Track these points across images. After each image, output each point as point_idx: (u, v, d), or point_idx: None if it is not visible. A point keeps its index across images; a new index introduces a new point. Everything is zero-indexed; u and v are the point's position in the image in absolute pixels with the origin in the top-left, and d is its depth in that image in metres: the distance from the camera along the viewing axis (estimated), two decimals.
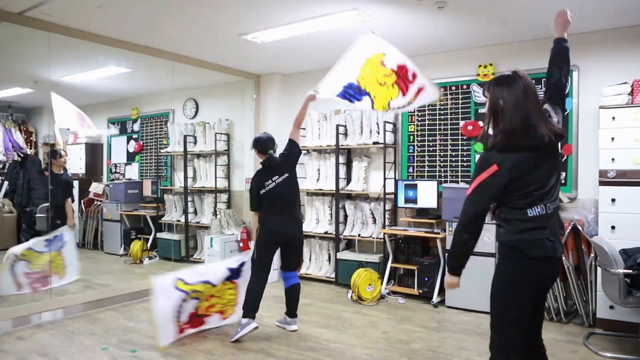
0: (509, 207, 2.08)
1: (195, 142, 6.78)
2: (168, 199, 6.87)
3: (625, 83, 3.96)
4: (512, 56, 4.69)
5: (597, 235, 3.83)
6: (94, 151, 7.39)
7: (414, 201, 5.06)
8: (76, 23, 4.31)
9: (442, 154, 5.17)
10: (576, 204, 4.35)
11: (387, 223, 5.24)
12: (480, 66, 4.88)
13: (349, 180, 5.66)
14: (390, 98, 3.44)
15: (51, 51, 4.48)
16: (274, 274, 5.18)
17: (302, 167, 5.72)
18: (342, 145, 5.50)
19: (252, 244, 3.98)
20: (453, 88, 5.08)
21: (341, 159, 5.57)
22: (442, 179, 5.13)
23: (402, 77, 3.37)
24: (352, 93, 3.56)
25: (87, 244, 6.99)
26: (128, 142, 7.29)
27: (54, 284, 4.77)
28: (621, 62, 4.21)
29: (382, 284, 4.94)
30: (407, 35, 4.62)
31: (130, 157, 7.26)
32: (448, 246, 4.59)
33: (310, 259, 5.80)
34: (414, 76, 3.37)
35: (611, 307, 3.80)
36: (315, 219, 5.76)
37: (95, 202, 7.11)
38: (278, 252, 3.92)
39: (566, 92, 2.23)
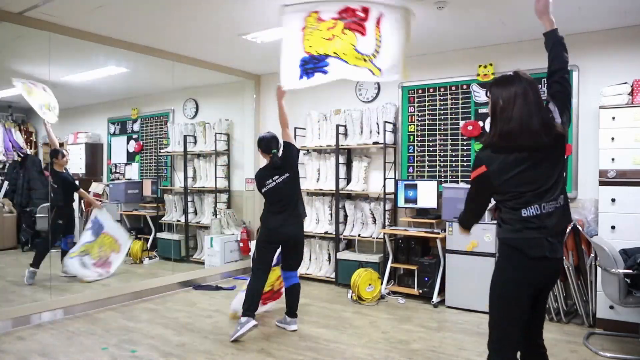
0: (505, 207, 2.10)
1: (195, 142, 6.78)
2: (168, 199, 6.87)
3: (625, 83, 3.96)
4: (512, 56, 4.69)
5: (597, 235, 3.83)
6: (94, 151, 7.39)
7: (414, 201, 5.06)
8: (76, 23, 4.31)
9: (442, 154, 5.17)
10: (576, 204, 4.35)
11: (387, 223, 5.24)
12: (480, 66, 4.88)
13: (349, 180, 5.66)
14: (351, 45, 3.09)
15: (51, 51, 4.48)
16: None
17: (302, 167, 5.72)
18: (342, 145, 5.50)
19: (252, 244, 3.99)
20: (453, 88, 5.08)
21: (341, 159, 5.57)
22: (442, 179, 5.13)
23: (351, 18, 3.07)
24: (312, 66, 3.18)
25: None
26: (128, 142, 7.29)
27: (117, 260, 5.40)
28: (621, 62, 4.22)
29: (382, 284, 4.94)
30: None
31: (130, 157, 7.26)
32: (448, 246, 4.60)
33: (310, 259, 5.80)
34: (365, 10, 3.09)
35: (611, 307, 3.80)
36: (315, 219, 5.76)
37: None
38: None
39: (570, 88, 2.16)
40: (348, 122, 5.58)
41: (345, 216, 5.63)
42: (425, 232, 4.79)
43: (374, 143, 5.30)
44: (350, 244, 5.66)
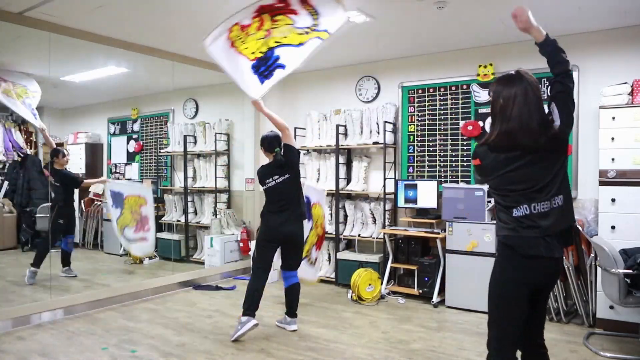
0: (499, 206, 2.14)
1: (195, 142, 6.77)
2: (168, 199, 6.87)
3: (625, 83, 3.96)
4: (512, 56, 4.69)
5: (597, 235, 3.83)
6: (94, 151, 7.39)
7: (414, 201, 5.06)
8: (76, 23, 4.31)
9: (442, 154, 5.17)
10: (576, 204, 4.35)
11: (387, 223, 5.24)
12: (480, 66, 4.88)
13: (349, 180, 5.66)
14: (288, 25, 3.06)
15: (51, 51, 4.47)
16: (274, 273, 5.18)
17: (302, 167, 5.72)
18: (342, 145, 5.50)
19: (252, 244, 3.99)
20: (453, 88, 5.08)
21: (341, 159, 5.57)
22: (442, 179, 5.13)
23: (277, 9, 3.10)
24: (265, 67, 3.17)
25: (87, 244, 6.99)
26: (128, 142, 7.29)
27: (149, 211, 5.21)
28: (621, 62, 4.22)
29: (382, 284, 4.94)
30: (407, 35, 4.63)
31: (130, 157, 7.26)
32: (448, 246, 4.60)
33: None
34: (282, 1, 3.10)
35: (611, 307, 3.80)
36: None
37: (95, 202, 7.10)
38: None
39: (571, 88, 2.11)
40: (348, 122, 5.58)
41: (345, 216, 5.63)
42: (425, 232, 4.79)
43: (374, 143, 5.30)
44: (350, 244, 5.66)
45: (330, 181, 5.62)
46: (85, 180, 5.68)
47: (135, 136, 7.22)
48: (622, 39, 4.24)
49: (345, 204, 5.59)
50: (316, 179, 5.79)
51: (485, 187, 4.33)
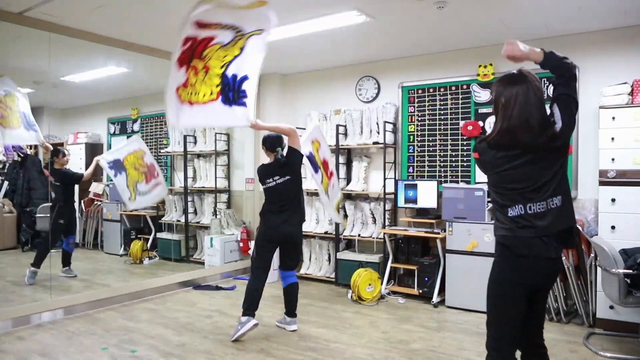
0: (496, 205, 2.15)
1: (195, 142, 6.78)
2: (168, 199, 6.87)
3: (625, 83, 3.96)
4: None
5: (597, 235, 3.83)
6: (94, 151, 7.38)
7: (414, 201, 5.06)
8: (76, 23, 4.31)
9: (442, 154, 5.17)
10: (576, 204, 4.35)
11: (387, 223, 5.24)
12: (480, 66, 4.88)
13: (349, 180, 5.66)
14: (215, 51, 3.03)
15: (51, 51, 4.47)
16: (274, 273, 5.17)
17: (302, 167, 5.72)
18: (342, 145, 5.50)
19: (252, 244, 3.99)
20: (453, 88, 5.08)
21: (341, 159, 5.57)
22: (442, 179, 5.13)
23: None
24: (229, 90, 3.14)
25: (87, 244, 6.99)
26: None
27: (149, 158, 5.05)
28: (621, 62, 4.22)
29: (382, 284, 4.94)
30: (407, 35, 4.63)
31: None
32: (448, 246, 4.59)
33: (310, 259, 5.80)
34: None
35: (611, 307, 3.80)
36: (315, 219, 5.76)
37: (95, 202, 7.11)
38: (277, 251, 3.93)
39: (574, 88, 2.08)
40: (348, 122, 5.58)
41: (346, 216, 5.63)
42: (425, 232, 4.79)
43: (374, 143, 5.30)
44: (350, 244, 5.66)
45: None
46: (85, 173, 5.56)
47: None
48: (622, 39, 4.24)
49: (345, 204, 5.59)
50: None
51: (485, 187, 4.34)
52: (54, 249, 5.36)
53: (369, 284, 4.79)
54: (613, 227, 3.84)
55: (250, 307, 3.67)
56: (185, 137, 6.65)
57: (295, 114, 6.17)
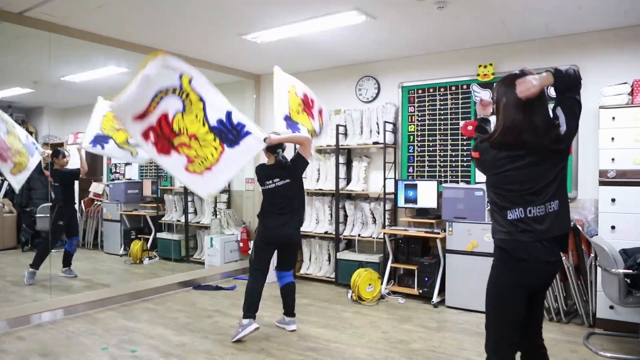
0: (494, 207, 2.14)
1: None
2: (168, 199, 6.87)
3: (625, 83, 3.96)
4: (512, 56, 4.69)
5: (597, 235, 3.83)
6: None
7: (414, 201, 5.06)
8: (76, 23, 4.31)
9: (442, 154, 5.17)
10: (576, 204, 4.35)
11: (387, 223, 5.24)
12: (480, 66, 4.88)
13: (349, 180, 5.66)
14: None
15: (51, 51, 4.47)
16: (273, 273, 5.17)
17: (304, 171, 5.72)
18: (342, 145, 5.50)
19: (252, 244, 3.99)
20: (453, 88, 5.08)
21: (341, 159, 5.57)
22: (442, 179, 5.13)
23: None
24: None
25: (87, 244, 6.99)
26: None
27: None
28: (621, 62, 4.22)
29: (382, 284, 4.94)
30: (407, 35, 4.63)
31: None
32: (448, 246, 4.59)
33: (310, 259, 5.80)
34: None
35: (611, 307, 3.80)
36: (315, 219, 5.76)
37: (95, 202, 7.11)
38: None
39: (579, 92, 2.06)
40: (348, 122, 5.58)
41: (345, 216, 5.63)
42: (425, 232, 4.79)
43: (374, 143, 5.30)
44: (350, 244, 5.66)
45: (330, 181, 5.62)
46: (81, 168, 5.49)
47: None
48: (622, 39, 4.24)
49: (345, 204, 5.59)
50: (316, 179, 5.79)
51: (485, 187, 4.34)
52: (55, 249, 5.36)
53: (369, 284, 4.79)
54: (613, 227, 3.84)
55: (250, 309, 3.67)
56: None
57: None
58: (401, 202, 5.15)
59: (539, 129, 1.99)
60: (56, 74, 5.78)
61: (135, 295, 4.83)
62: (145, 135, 2.98)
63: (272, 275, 4.13)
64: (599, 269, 3.70)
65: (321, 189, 5.67)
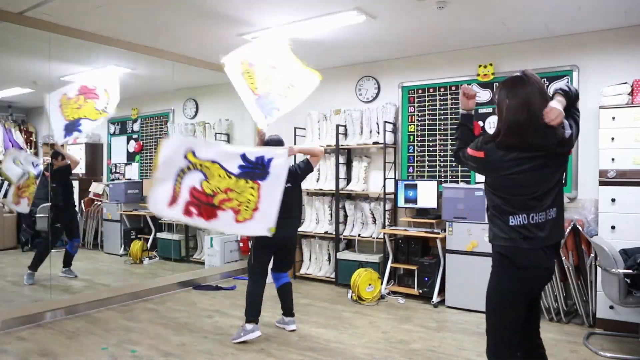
0: (495, 210, 2.12)
1: None
2: None
3: (625, 83, 3.96)
4: (512, 56, 4.69)
5: (597, 235, 3.83)
6: (94, 151, 7.39)
7: (414, 201, 5.06)
8: (76, 23, 4.31)
9: (442, 154, 5.17)
10: (576, 204, 4.35)
11: (387, 223, 5.24)
12: (480, 66, 4.88)
13: (349, 180, 5.66)
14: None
15: (51, 51, 4.47)
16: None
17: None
18: (342, 145, 5.50)
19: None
20: (453, 88, 5.08)
21: (341, 159, 5.57)
22: (442, 179, 5.13)
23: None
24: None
25: (87, 244, 6.99)
26: (128, 142, 7.29)
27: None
28: (621, 62, 4.22)
29: (382, 284, 4.94)
30: (407, 35, 4.63)
31: (130, 157, 7.26)
32: (448, 246, 4.60)
33: (310, 259, 5.80)
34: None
35: (611, 307, 3.80)
36: (315, 219, 5.76)
37: (95, 202, 7.10)
38: None
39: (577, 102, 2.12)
40: (348, 122, 5.58)
41: (345, 216, 5.63)
42: (425, 232, 4.79)
43: (374, 143, 5.30)
44: (350, 244, 5.66)
45: (330, 181, 5.62)
46: (70, 162, 5.48)
47: (135, 136, 7.22)
48: (622, 39, 4.24)
49: (345, 204, 5.59)
50: (316, 179, 5.79)
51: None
52: (55, 249, 5.36)
53: (369, 284, 4.79)
54: (613, 227, 3.84)
55: (253, 313, 3.66)
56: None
57: (295, 114, 6.14)
58: (401, 202, 5.15)
59: (543, 130, 1.98)
60: (56, 74, 5.77)
61: (135, 295, 4.83)
62: (187, 212, 3.15)
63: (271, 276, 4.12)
64: (599, 269, 3.70)
65: (321, 189, 5.67)
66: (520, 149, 2.01)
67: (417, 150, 5.32)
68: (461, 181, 5.01)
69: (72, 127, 4.41)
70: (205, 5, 3.83)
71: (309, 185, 5.75)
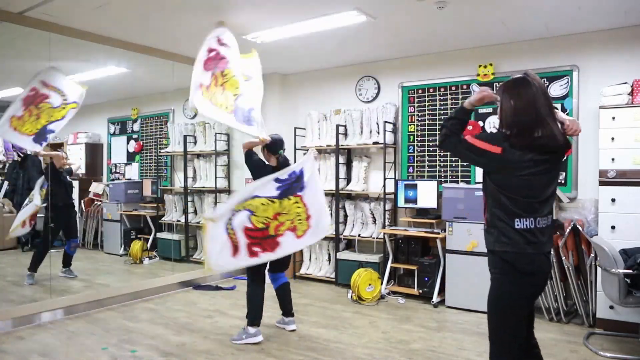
0: (500, 210, 2.06)
1: (195, 142, 6.78)
2: (168, 199, 6.87)
3: (625, 83, 3.96)
4: (512, 56, 4.69)
5: (597, 235, 3.83)
6: (94, 151, 7.40)
7: (414, 201, 5.06)
8: (76, 23, 4.31)
9: (442, 154, 5.16)
10: (576, 204, 4.35)
11: (387, 223, 5.24)
12: (480, 66, 4.88)
13: (349, 180, 5.66)
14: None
15: (51, 51, 4.47)
16: None
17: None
18: (342, 145, 5.50)
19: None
20: (453, 88, 5.08)
21: (341, 159, 5.57)
22: (442, 179, 5.13)
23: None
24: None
25: (87, 244, 6.99)
26: (128, 142, 7.29)
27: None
28: (621, 62, 4.22)
29: (382, 284, 4.94)
30: (407, 35, 4.63)
31: (130, 157, 7.26)
32: (448, 246, 4.60)
33: (310, 259, 5.80)
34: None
35: (611, 307, 3.80)
36: None
37: (95, 202, 7.11)
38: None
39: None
40: (348, 122, 5.58)
41: (345, 216, 5.63)
42: (425, 232, 4.79)
43: (374, 143, 5.30)
44: (350, 244, 5.66)
45: (330, 181, 5.62)
46: (55, 162, 5.36)
47: (135, 136, 7.23)
48: (622, 39, 4.24)
49: (345, 204, 5.59)
50: None
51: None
52: (54, 249, 5.36)
53: (369, 284, 4.79)
54: (613, 227, 3.84)
55: (257, 317, 3.65)
56: (185, 137, 6.65)
57: (295, 114, 6.18)
58: (401, 202, 5.15)
59: (551, 129, 1.99)
60: None
61: (135, 295, 4.83)
62: (253, 254, 3.32)
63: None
64: (599, 269, 3.70)
65: None
66: (535, 150, 1.99)
67: (417, 150, 5.32)
68: (461, 181, 5.01)
69: (42, 134, 4.36)
70: (206, 5, 3.83)
71: None
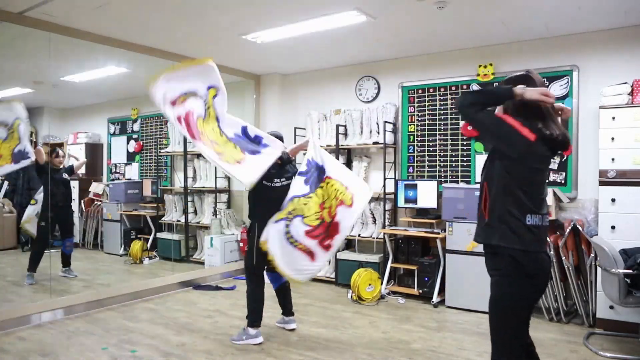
0: (512, 204, 1.98)
1: None
2: (168, 199, 6.87)
3: (625, 83, 3.96)
4: (512, 56, 4.69)
5: (597, 235, 3.83)
6: (94, 151, 7.40)
7: (414, 201, 5.06)
8: (76, 23, 4.31)
9: (442, 154, 5.17)
10: (576, 204, 4.35)
11: (387, 223, 5.24)
12: (480, 66, 4.88)
13: None
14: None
15: (51, 51, 4.48)
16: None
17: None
18: (342, 145, 5.50)
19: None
20: (453, 88, 5.08)
21: (341, 159, 5.57)
22: (442, 179, 5.13)
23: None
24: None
25: (87, 244, 7.00)
26: (128, 142, 7.30)
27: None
28: (621, 62, 4.22)
29: (382, 284, 4.94)
30: (407, 35, 4.63)
31: (130, 157, 7.27)
32: (448, 246, 4.59)
33: None
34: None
35: (611, 307, 3.80)
36: None
37: (95, 202, 7.11)
38: None
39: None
40: (348, 122, 5.58)
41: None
42: (425, 232, 4.79)
43: (374, 143, 5.30)
44: (350, 244, 5.66)
45: None
46: (38, 160, 5.13)
47: (135, 136, 7.23)
48: (622, 39, 4.24)
49: None
50: None
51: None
52: (54, 249, 5.36)
53: (369, 284, 4.79)
54: (613, 227, 3.84)
55: (257, 318, 3.64)
56: (185, 137, 6.63)
57: (295, 114, 6.18)
58: (401, 202, 5.15)
59: (553, 127, 1.99)
60: (56, 74, 5.78)
61: (135, 295, 4.83)
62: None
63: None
64: (599, 269, 3.70)
65: None
66: (552, 147, 1.99)
67: (417, 150, 5.32)
68: (461, 181, 5.01)
69: (18, 155, 4.40)
70: (205, 5, 3.83)
71: None
